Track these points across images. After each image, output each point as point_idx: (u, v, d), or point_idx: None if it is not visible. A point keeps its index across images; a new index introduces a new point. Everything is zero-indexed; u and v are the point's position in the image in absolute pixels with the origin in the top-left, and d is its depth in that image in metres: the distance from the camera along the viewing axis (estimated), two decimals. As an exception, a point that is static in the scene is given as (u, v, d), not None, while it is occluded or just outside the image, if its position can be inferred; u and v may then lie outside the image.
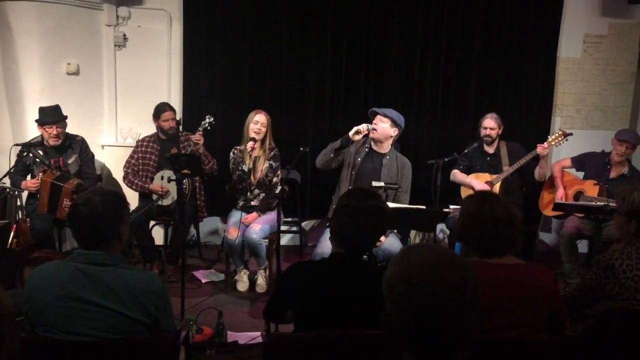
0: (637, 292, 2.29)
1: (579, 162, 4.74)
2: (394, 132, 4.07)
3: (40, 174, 4.17)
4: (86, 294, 1.86)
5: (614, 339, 2.26)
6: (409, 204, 3.78)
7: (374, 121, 4.03)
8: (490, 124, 4.64)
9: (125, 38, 5.11)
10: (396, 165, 4.07)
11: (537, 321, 2.08)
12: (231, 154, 4.37)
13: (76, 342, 1.86)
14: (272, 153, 4.31)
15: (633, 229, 2.39)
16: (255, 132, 4.21)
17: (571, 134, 4.49)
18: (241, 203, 4.40)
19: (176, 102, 5.11)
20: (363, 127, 3.91)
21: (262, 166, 4.28)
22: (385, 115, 4.02)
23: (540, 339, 2.07)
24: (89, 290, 1.87)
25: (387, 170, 4.03)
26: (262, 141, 4.27)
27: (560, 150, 5.14)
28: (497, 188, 4.54)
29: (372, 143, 4.10)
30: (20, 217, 4.42)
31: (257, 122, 4.22)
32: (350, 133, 3.91)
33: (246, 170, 4.24)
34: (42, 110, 4.28)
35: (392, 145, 4.14)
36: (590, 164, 4.67)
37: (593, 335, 2.30)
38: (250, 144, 4.17)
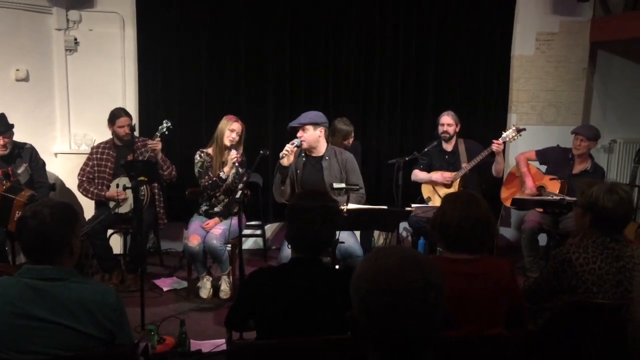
0: (594, 285, 2.33)
1: (543, 155, 4.85)
2: (320, 131, 3.97)
3: (-10, 185, 4.01)
4: (36, 311, 1.78)
5: (573, 332, 2.30)
6: (370, 204, 3.76)
7: (298, 134, 3.94)
8: (447, 120, 4.70)
9: (76, 42, 4.96)
10: (337, 163, 3.99)
11: (496, 313, 2.11)
12: (197, 157, 4.27)
13: (27, 361, 1.77)
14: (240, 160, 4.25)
15: (588, 222, 2.44)
16: (230, 141, 4.14)
17: (524, 129, 4.58)
18: (204, 208, 4.33)
19: (131, 107, 4.99)
20: (287, 149, 3.84)
21: (230, 173, 4.22)
22: (304, 124, 3.94)
23: (502, 334, 2.10)
24: (39, 307, 1.79)
25: (329, 172, 3.95)
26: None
27: (517, 146, 5.24)
28: (456, 185, 4.59)
29: (306, 151, 4.03)
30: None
31: (234, 131, 4.15)
32: (282, 162, 3.86)
33: (224, 177, 4.16)
34: (-12, 119, 4.12)
35: (327, 143, 4.06)
36: (552, 158, 4.78)
37: (552, 328, 2.34)
38: (233, 152, 4.10)
